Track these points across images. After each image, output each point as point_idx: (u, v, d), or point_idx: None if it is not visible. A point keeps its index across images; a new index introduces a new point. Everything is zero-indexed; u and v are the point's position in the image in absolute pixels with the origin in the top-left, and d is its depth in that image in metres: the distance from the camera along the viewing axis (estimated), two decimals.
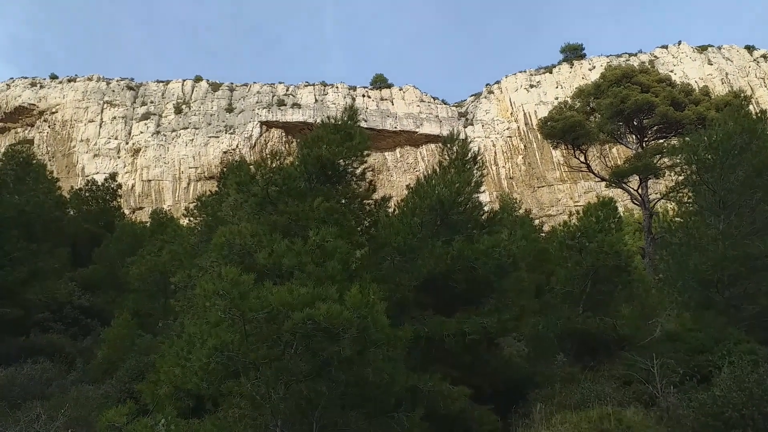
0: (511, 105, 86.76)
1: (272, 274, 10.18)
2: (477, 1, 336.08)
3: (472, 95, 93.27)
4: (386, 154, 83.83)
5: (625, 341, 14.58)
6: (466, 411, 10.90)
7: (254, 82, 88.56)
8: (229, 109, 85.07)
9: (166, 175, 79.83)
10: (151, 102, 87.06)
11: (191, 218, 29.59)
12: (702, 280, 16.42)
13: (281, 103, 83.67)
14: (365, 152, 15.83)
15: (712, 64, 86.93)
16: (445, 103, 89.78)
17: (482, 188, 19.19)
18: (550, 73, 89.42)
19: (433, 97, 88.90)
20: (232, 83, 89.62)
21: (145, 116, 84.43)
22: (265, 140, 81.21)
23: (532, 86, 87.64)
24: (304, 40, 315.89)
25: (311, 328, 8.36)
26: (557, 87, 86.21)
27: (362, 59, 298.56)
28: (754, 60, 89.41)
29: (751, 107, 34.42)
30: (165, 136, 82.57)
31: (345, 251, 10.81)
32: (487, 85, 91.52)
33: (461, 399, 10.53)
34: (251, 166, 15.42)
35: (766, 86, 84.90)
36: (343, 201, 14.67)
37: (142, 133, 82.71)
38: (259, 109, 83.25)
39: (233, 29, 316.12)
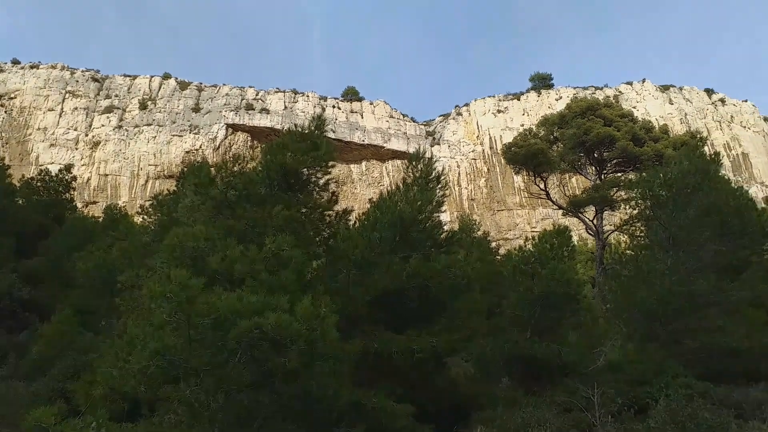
0: (478, 128, 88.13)
1: (223, 279, 10.00)
2: (457, 26, 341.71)
3: (440, 115, 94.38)
4: (352, 166, 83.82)
5: (569, 368, 14.82)
6: (407, 429, 10.87)
7: (224, 84, 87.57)
8: (196, 109, 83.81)
9: (125, 170, 77.86)
10: (116, 96, 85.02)
11: (146, 216, 28.85)
12: (647, 313, 16.87)
13: (249, 107, 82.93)
14: (330, 163, 15.81)
15: (673, 104, 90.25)
16: (414, 121, 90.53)
17: (444, 208, 19.39)
18: (518, 100, 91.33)
19: (403, 114, 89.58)
20: (201, 83, 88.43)
21: (108, 109, 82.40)
22: (230, 143, 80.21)
23: (499, 111, 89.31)
24: (290, 47, 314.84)
25: (258, 338, 8.21)
26: (524, 114, 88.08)
27: (340, 72, 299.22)
28: (712, 103, 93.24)
29: (706, 148, 35.80)
30: (127, 131, 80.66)
31: (301, 261, 10.71)
32: (456, 106, 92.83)
33: (404, 417, 10.50)
34: (212, 168, 15.20)
35: (721, 129, 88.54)
36: (304, 210, 14.58)
37: (103, 126, 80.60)
38: (226, 111, 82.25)
39: (217, 30, 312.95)
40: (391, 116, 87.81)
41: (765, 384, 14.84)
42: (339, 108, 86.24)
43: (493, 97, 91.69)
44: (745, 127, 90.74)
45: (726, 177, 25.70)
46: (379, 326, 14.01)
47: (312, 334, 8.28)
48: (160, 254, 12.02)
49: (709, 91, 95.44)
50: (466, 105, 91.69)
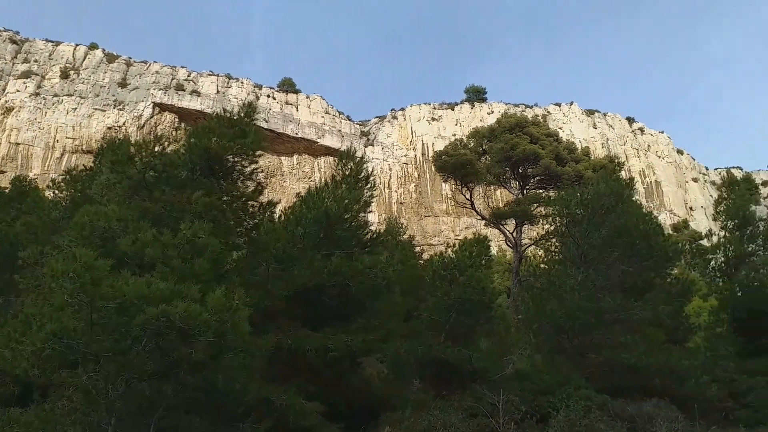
0: (412, 133, 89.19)
1: (133, 263, 9.54)
2: (401, 31, 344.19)
3: (377, 117, 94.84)
4: (283, 158, 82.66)
5: (478, 374, 15.17)
6: (316, 427, 10.77)
7: (154, 61, 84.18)
8: (123, 84, 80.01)
9: (39, 141, 73.16)
10: (35, 61, 79.82)
11: (57, 191, 27.18)
12: (556, 326, 17.54)
13: (180, 88, 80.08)
14: (258, 152, 15.43)
15: (596, 128, 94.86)
16: (349, 119, 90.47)
17: (372, 209, 19.45)
18: (452, 110, 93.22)
19: (339, 111, 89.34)
20: (130, 58, 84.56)
21: (26, 74, 77.20)
22: (155, 123, 77.09)
23: (434, 119, 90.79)
24: (229, 30, 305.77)
25: (165, 326, 7.88)
26: (457, 124, 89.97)
27: (278, 62, 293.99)
28: (632, 131, 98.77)
29: (622, 173, 37.82)
30: (45, 99, 75.85)
31: (217, 250, 10.39)
32: (392, 110, 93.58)
33: (312, 415, 10.39)
34: (132, 147, 14.50)
35: (638, 157, 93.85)
36: (226, 198, 14.16)
37: (18, 91, 75.40)
38: (155, 89, 79.03)
39: (152, 4, 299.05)
40: (327, 112, 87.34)
41: (657, 400, 15.75)
42: (274, 98, 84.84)
43: (429, 104, 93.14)
44: (660, 156, 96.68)
45: (638, 202, 27.16)
46: (296, 322, 13.84)
47: (222, 326, 8.03)
48: (69, 232, 11.35)
49: (630, 120, 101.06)
50: (402, 109, 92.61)
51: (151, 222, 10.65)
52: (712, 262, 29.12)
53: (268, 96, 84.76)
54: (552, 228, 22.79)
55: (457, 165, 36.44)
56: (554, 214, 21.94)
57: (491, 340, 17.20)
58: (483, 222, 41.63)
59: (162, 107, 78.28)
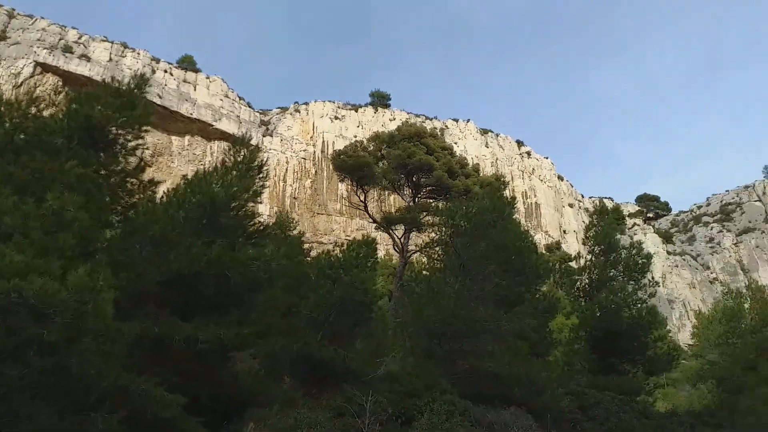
0: (313, 129, 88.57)
1: None
2: (314, 25, 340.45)
3: (279, 107, 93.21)
4: (174, 138, 78.74)
5: (351, 375, 15.33)
6: (176, 420, 10.31)
7: (42, 17, 77.22)
8: (2, 37, 72.65)
9: None
10: None
11: None
12: (430, 331, 18.17)
13: (68, 50, 74.02)
14: (145, 127, 14.65)
15: (488, 147, 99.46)
16: (250, 107, 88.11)
17: (263, 200, 19.02)
18: (356, 111, 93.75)
19: (240, 97, 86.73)
20: (13, 9, 76.97)
21: None
22: (36, 84, 70.63)
23: (337, 118, 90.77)
24: None
25: (15, 303, 7.21)
26: (359, 126, 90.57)
27: (179, 37, 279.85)
28: (520, 154, 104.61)
29: (507, 192, 39.91)
30: None
31: (86, 226, 9.67)
32: (295, 102, 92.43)
33: (172, 407, 9.94)
34: (1, 105, 13.20)
35: (522, 178, 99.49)
36: (104, 172, 13.28)
37: None
38: (39, 48, 72.42)
39: None
40: (227, 96, 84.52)
41: (515, 408, 16.74)
42: (171, 74, 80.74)
43: (334, 102, 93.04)
44: (542, 180, 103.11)
45: (518, 221, 28.84)
46: (167, 310, 13.22)
47: (82, 307, 7.48)
48: None
49: (520, 143, 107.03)
50: (306, 104, 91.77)
51: (14, 188, 9.73)
52: (578, 283, 31.52)
53: (166, 71, 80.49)
54: (437, 237, 23.60)
55: (355, 166, 36.75)
56: (440, 224, 22.77)
57: (368, 342, 17.46)
58: (374, 225, 42.19)
59: (45, 68, 71.90)
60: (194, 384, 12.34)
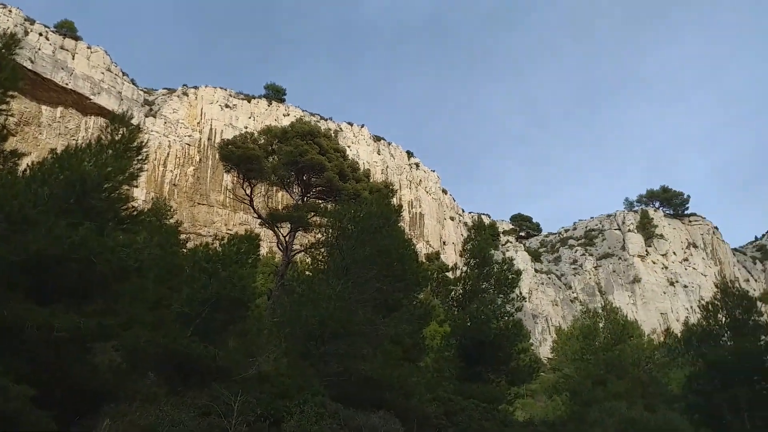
0: (201, 115, 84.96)
1: None
2: (217, 10, 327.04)
3: (165, 88, 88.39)
4: (44, 108, 72.02)
5: (221, 373, 14.77)
6: (22, 413, 9.36)
7: None
8: None
9: None
10: None
11: None
12: (308, 332, 18.00)
13: None
14: (11, 92, 13.32)
15: (380, 155, 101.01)
16: (134, 84, 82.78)
17: (140, 184, 17.87)
18: (249, 102, 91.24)
19: (123, 72, 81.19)
20: None
21: None
22: None
23: (227, 106, 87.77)
24: None
25: None
26: (251, 117, 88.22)
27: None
28: (409, 164, 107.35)
29: (394, 200, 40.75)
30: None
31: None
32: (184, 85, 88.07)
33: (19, 399, 9.01)
34: None
35: (410, 188, 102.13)
36: None
37: None
38: None
39: None
40: (109, 69, 78.80)
41: (384, 412, 17.01)
42: (47, 39, 73.86)
43: (225, 89, 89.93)
44: (428, 192, 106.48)
45: (403, 228, 29.48)
46: (20, 293, 12.00)
47: None
48: None
49: (410, 154, 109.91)
50: (196, 87, 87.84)
51: None
52: (453, 293, 32.81)
53: (41, 34, 73.45)
54: (323, 238, 23.50)
55: (243, 158, 35.70)
56: (328, 226, 22.70)
57: (241, 340, 16.92)
58: (259, 221, 41.30)
59: None
60: (46, 375, 11.32)
